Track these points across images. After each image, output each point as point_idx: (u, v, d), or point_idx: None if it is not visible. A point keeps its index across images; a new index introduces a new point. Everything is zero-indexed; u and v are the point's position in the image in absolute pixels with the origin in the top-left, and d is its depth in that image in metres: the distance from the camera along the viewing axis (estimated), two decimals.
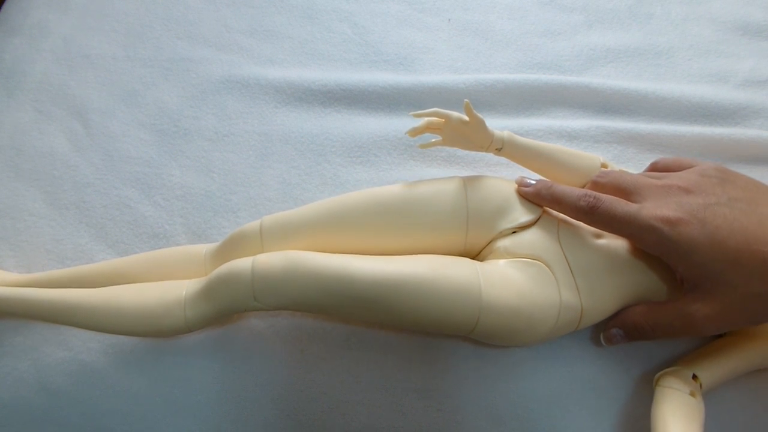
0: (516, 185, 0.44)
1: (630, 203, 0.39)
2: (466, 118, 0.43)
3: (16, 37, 0.61)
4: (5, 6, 0.65)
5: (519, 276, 0.39)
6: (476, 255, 0.43)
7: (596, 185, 0.43)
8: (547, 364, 0.43)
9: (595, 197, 0.39)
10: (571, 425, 0.42)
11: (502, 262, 0.40)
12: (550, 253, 0.40)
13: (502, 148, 0.45)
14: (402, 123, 0.55)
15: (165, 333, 0.40)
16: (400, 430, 0.42)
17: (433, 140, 0.47)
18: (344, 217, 0.42)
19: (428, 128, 0.45)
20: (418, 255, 0.41)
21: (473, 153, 0.53)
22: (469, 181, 0.43)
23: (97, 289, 0.41)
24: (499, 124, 0.55)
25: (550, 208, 0.42)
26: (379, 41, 0.61)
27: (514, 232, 0.42)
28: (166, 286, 0.41)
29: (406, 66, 0.59)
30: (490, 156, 0.53)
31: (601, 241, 0.41)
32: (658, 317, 0.39)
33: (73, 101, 0.57)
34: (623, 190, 0.40)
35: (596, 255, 0.41)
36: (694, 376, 0.39)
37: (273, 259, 0.39)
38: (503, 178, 0.45)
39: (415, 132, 0.45)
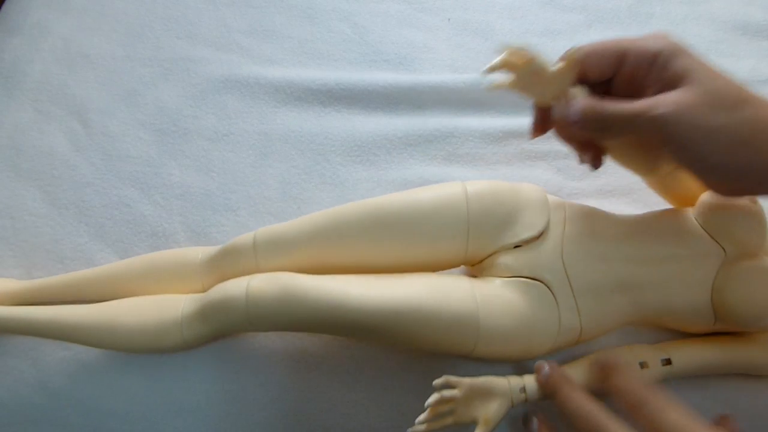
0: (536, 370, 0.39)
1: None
2: (558, 65, 0.37)
3: (15, 37, 0.61)
4: (5, 6, 0.65)
5: (518, 300, 0.38)
6: (477, 263, 0.42)
7: None
8: None
9: None
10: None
11: (501, 282, 0.39)
12: (552, 273, 0.39)
13: None
14: (402, 122, 0.55)
15: (164, 351, 0.41)
16: (399, 430, 0.42)
17: (503, 81, 0.39)
18: (341, 230, 0.41)
19: (506, 65, 0.38)
20: (416, 277, 0.40)
21: (474, 151, 0.53)
22: (471, 191, 0.41)
23: (95, 306, 0.42)
24: (499, 124, 0.55)
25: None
26: (378, 41, 0.61)
27: (517, 246, 0.40)
28: (163, 303, 0.42)
29: (405, 65, 0.59)
30: (491, 154, 0.53)
31: (606, 260, 0.40)
32: None
33: (73, 101, 0.57)
34: None
35: (600, 273, 0.39)
36: (668, 361, 0.39)
37: (267, 287, 0.38)
38: (507, 185, 0.42)
39: (492, 69, 0.38)
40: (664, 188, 0.44)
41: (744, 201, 0.41)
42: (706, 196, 0.42)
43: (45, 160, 0.53)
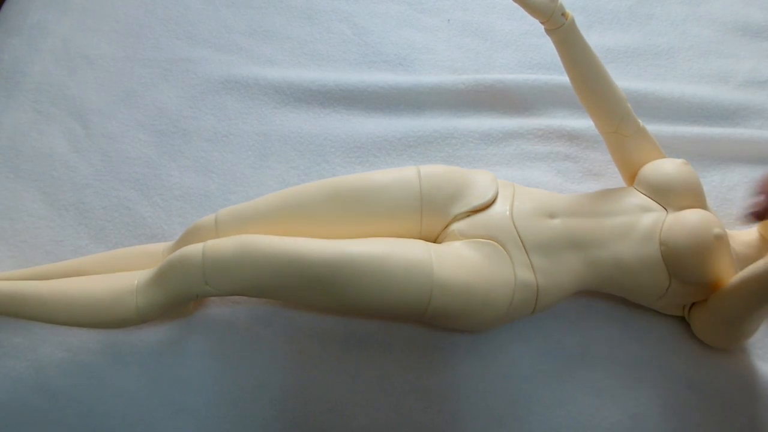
0: None
1: None
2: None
3: (15, 38, 0.61)
4: (5, 6, 0.65)
5: (472, 255, 0.40)
6: (433, 241, 0.44)
7: None
8: (548, 365, 0.43)
9: None
10: (571, 426, 0.42)
11: (456, 243, 0.41)
12: (503, 233, 0.41)
13: (564, 25, 0.42)
14: (401, 123, 0.55)
15: (117, 323, 0.41)
16: (399, 430, 0.42)
17: None
18: (300, 206, 0.43)
19: None
20: (373, 238, 0.41)
21: (473, 152, 0.53)
22: (424, 171, 0.44)
23: (50, 281, 0.42)
24: (499, 124, 0.55)
25: None
26: (378, 42, 0.61)
27: (469, 215, 0.43)
28: (118, 276, 0.42)
29: (405, 66, 0.60)
30: (490, 156, 0.53)
31: (555, 221, 0.42)
32: None
33: (73, 102, 0.57)
34: None
35: (550, 233, 0.42)
36: None
37: (224, 243, 0.39)
38: (458, 169, 0.45)
39: None
40: (621, 149, 0.47)
41: (678, 165, 0.44)
42: (644, 169, 0.45)
43: (45, 161, 0.53)
